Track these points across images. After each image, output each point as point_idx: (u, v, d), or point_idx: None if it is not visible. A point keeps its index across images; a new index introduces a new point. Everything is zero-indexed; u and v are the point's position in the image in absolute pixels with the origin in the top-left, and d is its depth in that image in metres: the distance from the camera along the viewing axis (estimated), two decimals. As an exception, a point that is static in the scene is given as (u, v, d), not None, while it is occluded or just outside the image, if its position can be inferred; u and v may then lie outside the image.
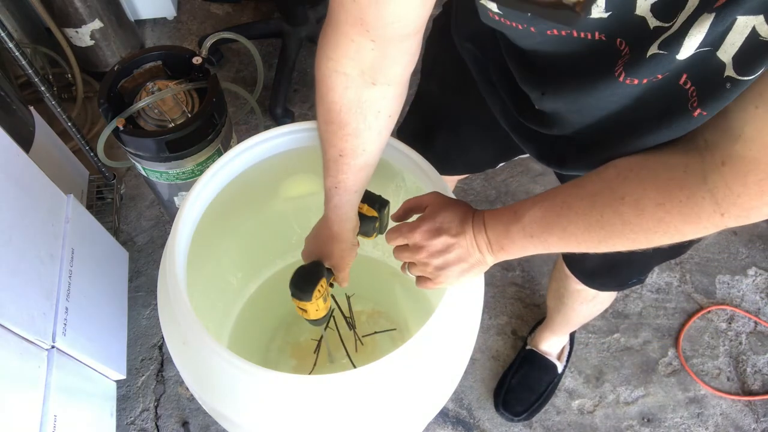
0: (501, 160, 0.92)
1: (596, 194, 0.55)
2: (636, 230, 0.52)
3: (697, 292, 1.47)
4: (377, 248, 1.17)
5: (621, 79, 0.48)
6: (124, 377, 1.23)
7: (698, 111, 0.46)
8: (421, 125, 0.92)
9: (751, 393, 1.34)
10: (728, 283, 1.48)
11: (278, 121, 1.67)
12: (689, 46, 0.42)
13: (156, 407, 1.32)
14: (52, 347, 0.96)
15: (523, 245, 0.61)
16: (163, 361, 1.37)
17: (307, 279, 0.78)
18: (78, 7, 1.52)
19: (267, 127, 0.84)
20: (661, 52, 0.44)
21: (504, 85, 0.69)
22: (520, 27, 0.51)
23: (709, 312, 1.44)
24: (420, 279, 0.71)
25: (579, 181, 0.57)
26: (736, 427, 1.31)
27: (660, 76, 0.47)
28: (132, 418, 1.30)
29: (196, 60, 1.12)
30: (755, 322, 1.43)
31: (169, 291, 0.71)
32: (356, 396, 0.68)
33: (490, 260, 0.65)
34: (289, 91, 1.71)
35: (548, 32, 0.50)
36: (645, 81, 0.48)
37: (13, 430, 0.85)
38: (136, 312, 1.42)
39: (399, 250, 0.71)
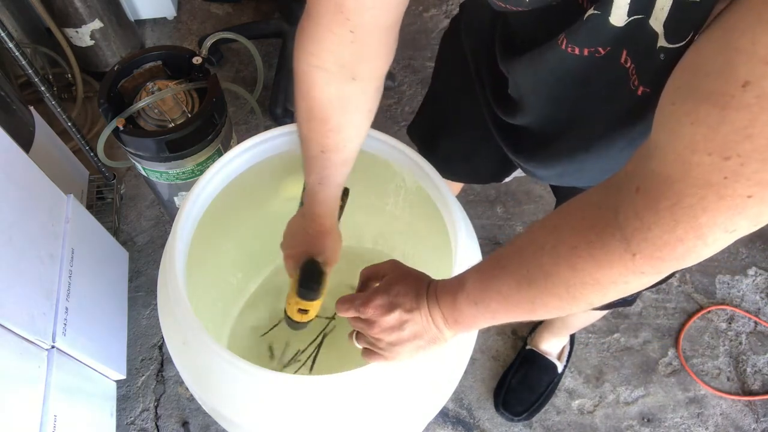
0: (505, 172, 0.90)
1: (522, 248, 0.50)
2: (556, 283, 0.46)
3: (697, 292, 1.47)
4: (377, 245, 1.17)
5: (563, 46, 0.48)
6: (124, 377, 1.23)
7: (641, 89, 0.47)
8: (428, 127, 0.93)
9: (751, 393, 1.34)
10: (728, 283, 1.48)
11: (278, 121, 1.67)
12: (619, 6, 0.42)
13: (156, 407, 1.32)
14: (52, 347, 0.96)
15: (473, 315, 0.55)
16: (163, 361, 1.37)
17: (314, 278, 0.78)
18: (78, 7, 1.52)
19: (267, 127, 0.84)
20: (596, 12, 0.44)
21: (488, 76, 0.70)
22: None
23: (709, 312, 1.44)
24: (367, 351, 0.65)
25: (513, 238, 0.53)
26: (736, 427, 1.31)
27: (602, 51, 0.47)
28: (132, 418, 1.30)
29: (196, 60, 1.12)
30: (755, 322, 1.43)
31: (169, 291, 0.71)
32: (356, 396, 0.68)
33: (449, 335, 0.59)
34: (290, 91, 1.71)
35: None
36: (586, 52, 0.48)
37: (13, 430, 0.85)
38: (136, 312, 1.42)
39: (353, 318, 0.64)
